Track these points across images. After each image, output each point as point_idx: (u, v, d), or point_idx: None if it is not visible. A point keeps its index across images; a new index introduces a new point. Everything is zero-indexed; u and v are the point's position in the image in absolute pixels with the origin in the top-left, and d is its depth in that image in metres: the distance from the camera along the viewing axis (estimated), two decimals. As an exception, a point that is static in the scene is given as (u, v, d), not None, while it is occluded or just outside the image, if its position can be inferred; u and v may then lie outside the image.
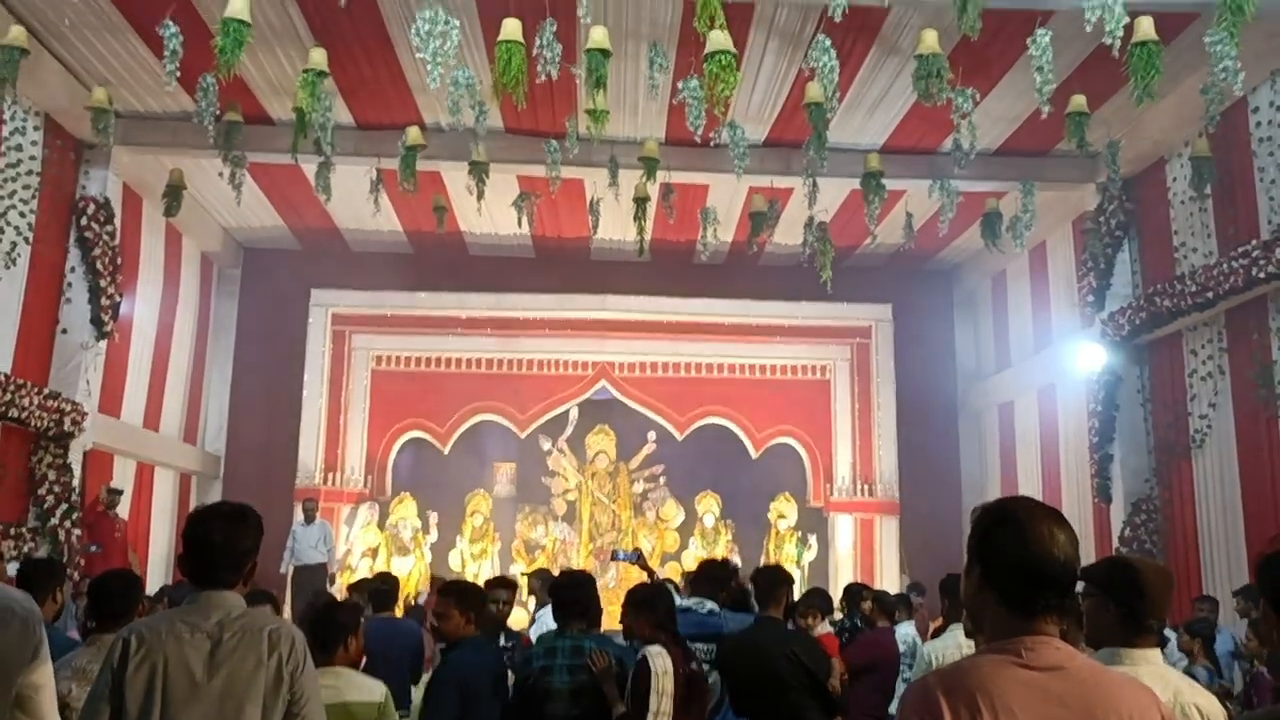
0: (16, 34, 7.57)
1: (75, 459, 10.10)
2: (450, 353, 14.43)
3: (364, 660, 4.14)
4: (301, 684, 2.77)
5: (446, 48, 6.61)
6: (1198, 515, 9.83)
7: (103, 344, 10.60)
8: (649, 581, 6.07)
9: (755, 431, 14.42)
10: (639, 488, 14.53)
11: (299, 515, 12.38)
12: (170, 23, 7.19)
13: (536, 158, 9.63)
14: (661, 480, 14.52)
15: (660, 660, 4.36)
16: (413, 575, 12.89)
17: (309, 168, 9.93)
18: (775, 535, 13.79)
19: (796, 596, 6.73)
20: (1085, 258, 11.11)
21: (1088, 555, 9.15)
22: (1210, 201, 9.47)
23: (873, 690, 6.43)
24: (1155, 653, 2.63)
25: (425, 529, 13.62)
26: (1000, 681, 1.75)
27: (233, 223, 13.61)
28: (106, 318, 10.44)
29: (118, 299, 10.65)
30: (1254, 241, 8.60)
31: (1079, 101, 8.07)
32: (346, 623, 3.81)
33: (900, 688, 6.54)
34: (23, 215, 9.43)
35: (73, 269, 10.37)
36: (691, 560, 12.23)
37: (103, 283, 10.38)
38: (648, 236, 10.05)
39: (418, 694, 5.36)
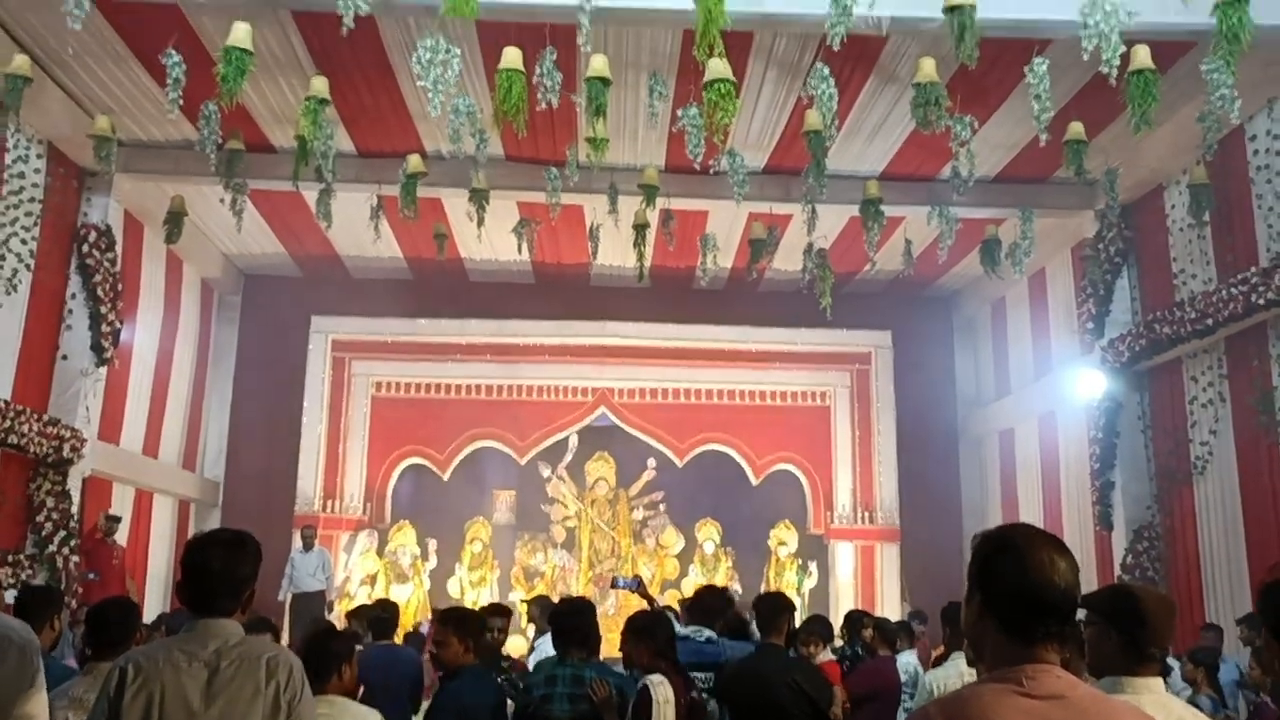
0: (20, 63, 7.62)
1: (74, 486, 10.08)
2: (450, 379, 14.44)
3: (361, 689, 4.11)
4: (300, 712, 2.75)
5: (447, 76, 6.65)
6: (1200, 542, 9.79)
7: (103, 370, 10.61)
8: (649, 609, 6.03)
9: (755, 458, 14.39)
10: (639, 515, 14.50)
11: (297, 542, 12.35)
12: (173, 51, 7.23)
13: (537, 185, 9.66)
14: (661, 507, 14.48)
15: (662, 689, 4.33)
16: (411, 603, 12.84)
17: (310, 195, 9.97)
18: (776, 562, 13.75)
19: (797, 624, 6.70)
20: (1084, 284, 11.13)
21: (1089, 583, 9.13)
22: (1209, 228, 9.50)
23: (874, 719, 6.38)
24: (1158, 681, 2.61)
25: (424, 556, 13.58)
26: (1001, 710, 1.74)
27: (233, 249, 13.65)
28: (107, 344, 10.45)
29: (118, 325, 10.66)
30: (1253, 268, 8.62)
31: (1077, 129, 8.11)
32: (340, 651, 3.79)
33: (901, 717, 6.50)
34: (24, 242, 9.46)
35: (73, 295, 10.40)
36: (691, 588, 12.18)
37: (103, 309, 10.40)
38: (647, 263, 10.07)
39: (417, 722, 5.33)
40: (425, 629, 10.62)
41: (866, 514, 14.09)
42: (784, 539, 13.85)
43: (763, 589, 13.00)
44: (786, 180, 10.43)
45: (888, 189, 9.84)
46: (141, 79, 9.11)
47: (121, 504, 11.48)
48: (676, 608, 7.89)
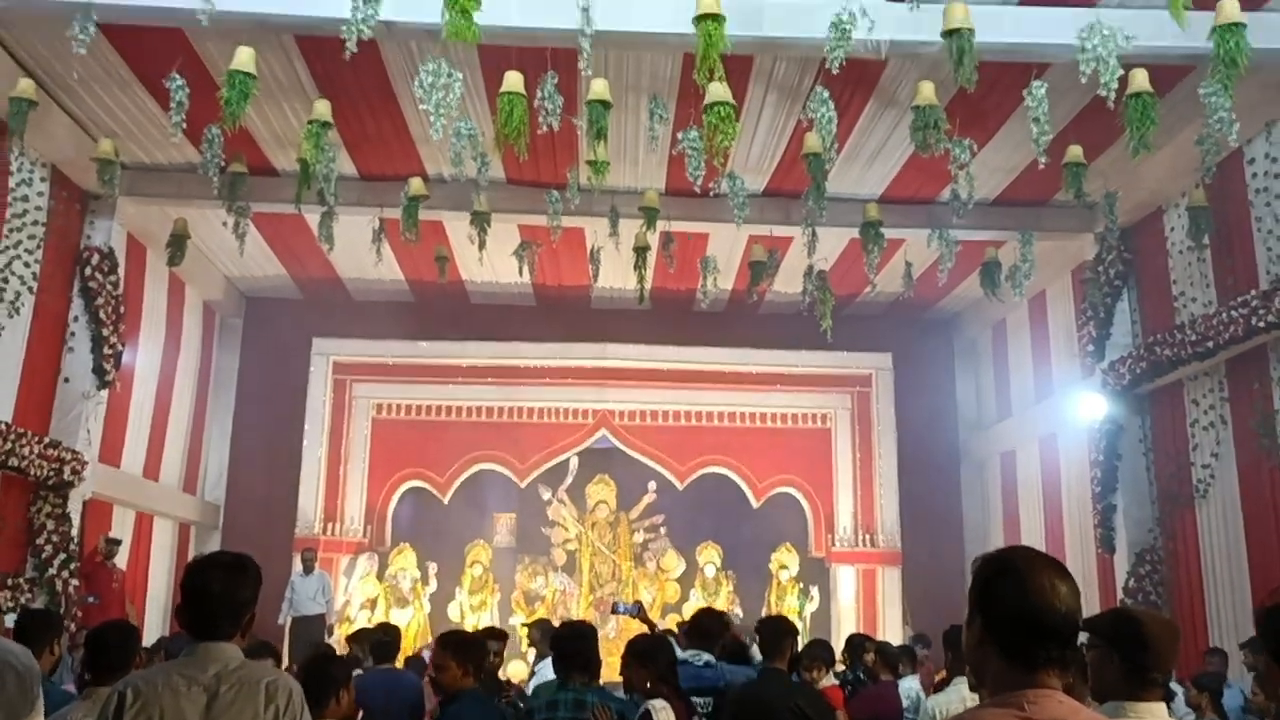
0: (25, 87, 7.67)
1: (74, 508, 10.05)
2: (451, 401, 14.44)
3: (360, 714, 4.10)
4: (298, 737, 2.74)
5: (449, 100, 6.69)
6: (1202, 566, 9.75)
7: (104, 393, 10.61)
8: (650, 633, 6.01)
9: (756, 481, 14.37)
10: (639, 538, 14.46)
11: (298, 565, 12.31)
12: (177, 75, 7.29)
13: (538, 208, 9.72)
14: (662, 530, 14.45)
15: (664, 715, 4.31)
16: (412, 627, 12.78)
17: (312, 218, 10.01)
18: (777, 586, 13.71)
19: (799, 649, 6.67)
20: (1085, 307, 11.14)
21: (1092, 607, 9.09)
22: (1208, 251, 9.51)
23: (876, 744, 6.34)
24: (1160, 706, 2.60)
25: (424, 580, 13.54)
26: (1003, 736, 1.73)
27: (236, 272, 13.68)
28: (109, 367, 10.46)
29: (120, 348, 10.67)
30: (1253, 291, 8.63)
31: (1076, 152, 8.15)
32: (338, 676, 3.78)
33: (904, 742, 6.46)
34: (27, 265, 9.48)
35: (76, 318, 10.40)
36: (692, 612, 12.14)
37: (105, 332, 10.41)
38: (648, 285, 10.10)
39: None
40: (427, 655, 10.58)
41: (868, 537, 14.04)
42: (785, 562, 13.80)
43: (764, 613, 12.95)
44: (787, 203, 10.47)
45: (888, 212, 9.87)
46: (145, 103, 9.17)
47: (122, 527, 11.46)
48: (677, 632, 7.86)
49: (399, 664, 7.06)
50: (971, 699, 4.44)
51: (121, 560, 11.00)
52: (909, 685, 7.23)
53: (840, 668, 7.60)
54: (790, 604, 13.29)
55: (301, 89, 8.80)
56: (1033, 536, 12.69)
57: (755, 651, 5.59)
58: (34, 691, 2.79)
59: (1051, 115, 7.11)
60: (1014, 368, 13.83)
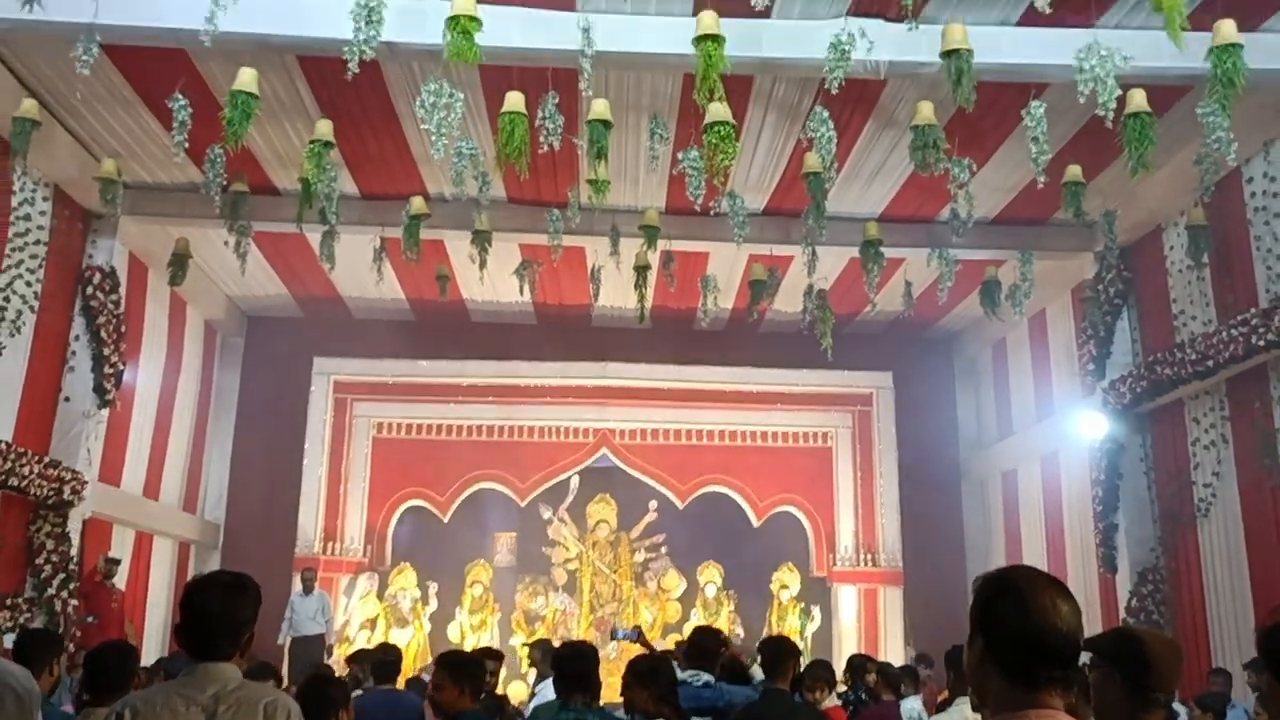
0: (28, 106, 7.71)
1: (74, 528, 10.03)
2: (451, 420, 14.43)
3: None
4: (296, 758, 2.73)
5: (450, 119, 6.72)
6: (1204, 585, 9.72)
7: (105, 412, 10.60)
8: (651, 653, 5.99)
9: (757, 500, 14.34)
10: (640, 557, 14.43)
11: (297, 585, 12.27)
12: (179, 96, 7.33)
13: (538, 227, 9.75)
14: (663, 550, 14.41)
15: (664, 734, 4.29)
16: (412, 646, 12.73)
17: (314, 237, 10.03)
18: (778, 606, 13.67)
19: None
20: (1085, 326, 11.15)
21: (1094, 627, 9.06)
22: (1208, 270, 9.53)
23: (878, 765, 6.30)
24: (1163, 727, 2.59)
25: (424, 599, 13.49)
26: (1005, 756, 1.72)
27: (237, 291, 13.70)
28: (109, 386, 10.46)
29: (121, 367, 10.68)
30: (1252, 310, 8.63)
31: (1075, 171, 8.17)
32: (336, 697, 3.77)
33: (906, 762, 6.42)
34: (29, 284, 9.50)
35: (77, 337, 10.41)
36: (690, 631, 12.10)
37: (106, 351, 10.42)
38: (648, 304, 10.11)
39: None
40: (428, 676, 10.53)
41: (869, 556, 14.00)
42: (786, 582, 13.77)
43: (765, 633, 12.91)
44: (787, 222, 10.49)
45: (887, 231, 9.89)
46: (148, 122, 9.20)
47: (121, 546, 11.43)
48: (677, 652, 7.83)
49: (400, 685, 7.03)
50: (973, 719, 4.42)
51: (121, 580, 10.97)
52: (911, 706, 7.20)
53: (842, 688, 7.57)
54: (791, 624, 13.25)
55: (303, 109, 8.84)
56: (1034, 556, 12.65)
57: (755, 671, 5.56)
58: (33, 713, 2.77)
59: (1050, 135, 7.14)
60: (1014, 386, 13.83)
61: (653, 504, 14.36)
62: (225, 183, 8.42)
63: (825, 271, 10.62)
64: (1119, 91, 6.57)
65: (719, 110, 6.58)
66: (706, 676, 5.34)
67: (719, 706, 5.11)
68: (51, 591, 9.48)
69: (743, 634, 13.26)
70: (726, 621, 13.41)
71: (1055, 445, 12.33)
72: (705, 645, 5.57)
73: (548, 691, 5.52)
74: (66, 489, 9.71)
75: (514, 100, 6.85)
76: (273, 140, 9.51)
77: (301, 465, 13.89)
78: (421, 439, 14.44)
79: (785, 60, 7.36)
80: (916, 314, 11.72)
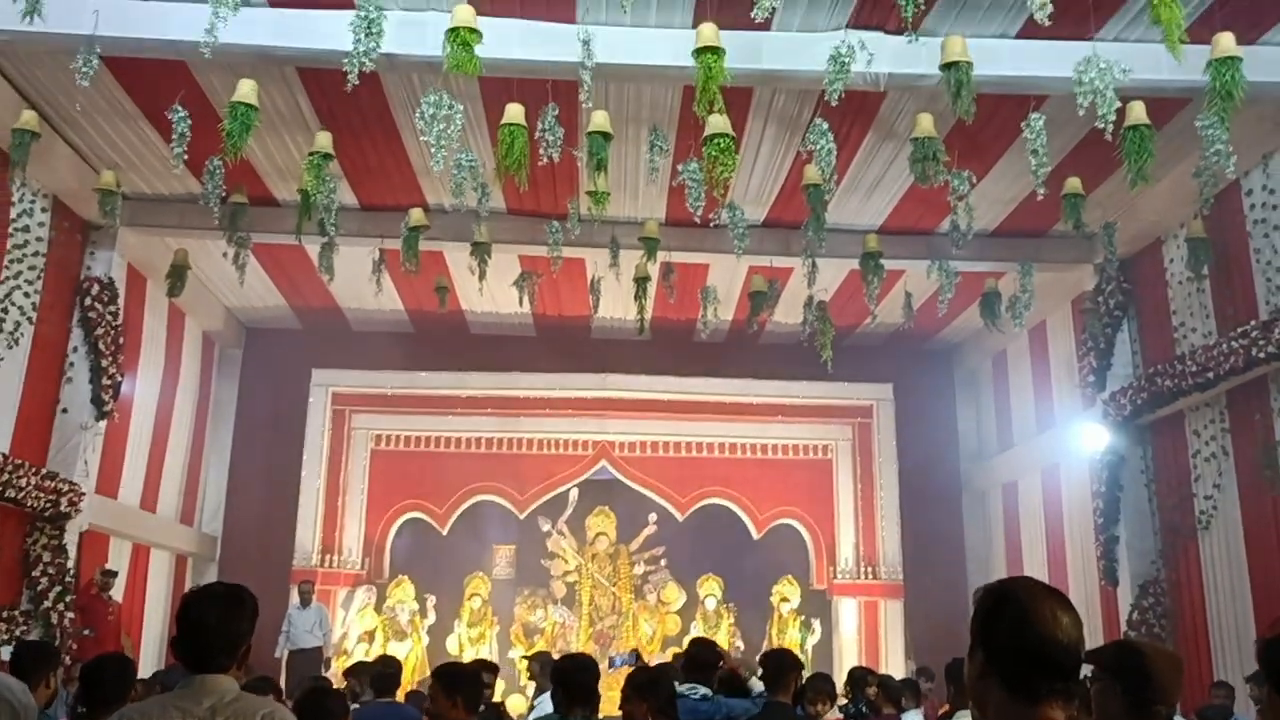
0: (28, 118, 7.72)
1: (71, 540, 9.99)
2: (450, 432, 14.40)
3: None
4: (293, 771, 2.70)
5: (450, 131, 6.73)
6: (1206, 598, 9.69)
7: (102, 424, 10.58)
8: (650, 666, 5.96)
9: (757, 512, 14.31)
10: (640, 570, 14.38)
11: (295, 598, 12.24)
12: (179, 107, 7.34)
13: (538, 238, 9.75)
14: (663, 562, 14.37)
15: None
16: (410, 659, 12.67)
17: (313, 248, 10.03)
18: (778, 619, 13.62)
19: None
20: (1085, 338, 11.14)
21: (1095, 639, 9.02)
22: (1208, 282, 9.53)
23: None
24: (1165, 740, 2.57)
25: (423, 612, 13.44)
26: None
27: (235, 303, 13.70)
28: (107, 398, 10.43)
29: (119, 379, 10.65)
30: (1252, 322, 8.63)
31: (1074, 183, 8.19)
32: (334, 709, 3.75)
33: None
34: (27, 295, 9.49)
35: (75, 349, 10.39)
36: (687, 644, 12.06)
37: (104, 363, 10.40)
38: (648, 316, 10.11)
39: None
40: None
41: (869, 569, 13.96)
42: (787, 595, 13.72)
43: (765, 646, 12.87)
44: (786, 234, 10.49)
45: (887, 243, 9.90)
46: (147, 134, 9.21)
47: (118, 558, 11.39)
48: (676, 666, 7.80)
49: (399, 697, 6.99)
50: (975, 733, 4.40)
51: (118, 592, 10.93)
52: (912, 719, 7.16)
53: (843, 701, 7.54)
54: (792, 637, 13.20)
55: (303, 120, 8.85)
56: (1035, 568, 12.62)
57: (754, 683, 5.53)
58: (28, 726, 2.75)
59: (1050, 147, 7.17)
60: (1015, 398, 13.82)
61: (652, 516, 14.33)
62: (224, 194, 8.42)
63: (825, 283, 10.62)
64: (1118, 104, 6.59)
65: (719, 122, 6.59)
66: (704, 689, 5.32)
67: (716, 719, 5.08)
68: (48, 604, 9.45)
69: (743, 647, 13.21)
70: (726, 634, 13.36)
71: (1056, 457, 12.31)
72: (702, 658, 5.54)
73: (546, 704, 5.49)
74: (63, 501, 9.69)
75: (514, 112, 6.87)
76: (272, 152, 9.52)
77: (299, 477, 13.86)
78: (420, 451, 14.41)
79: (785, 72, 7.38)
80: (917, 326, 11.72)
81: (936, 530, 14.20)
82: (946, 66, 6.45)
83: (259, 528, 13.66)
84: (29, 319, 9.56)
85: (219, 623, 2.77)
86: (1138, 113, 6.76)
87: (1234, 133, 6.68)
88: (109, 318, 10.50)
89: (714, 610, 13.70)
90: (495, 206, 9.72)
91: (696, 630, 13.37)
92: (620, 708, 4.62)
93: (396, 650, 12.48)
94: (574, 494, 14.34)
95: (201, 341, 13.69)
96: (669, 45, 7.08)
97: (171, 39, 7.00)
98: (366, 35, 6.70)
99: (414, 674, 12.21)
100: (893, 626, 13.65)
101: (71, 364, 10.38)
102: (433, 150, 6.75)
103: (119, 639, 10.44)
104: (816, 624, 13.46)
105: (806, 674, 7.07)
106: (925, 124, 7.21)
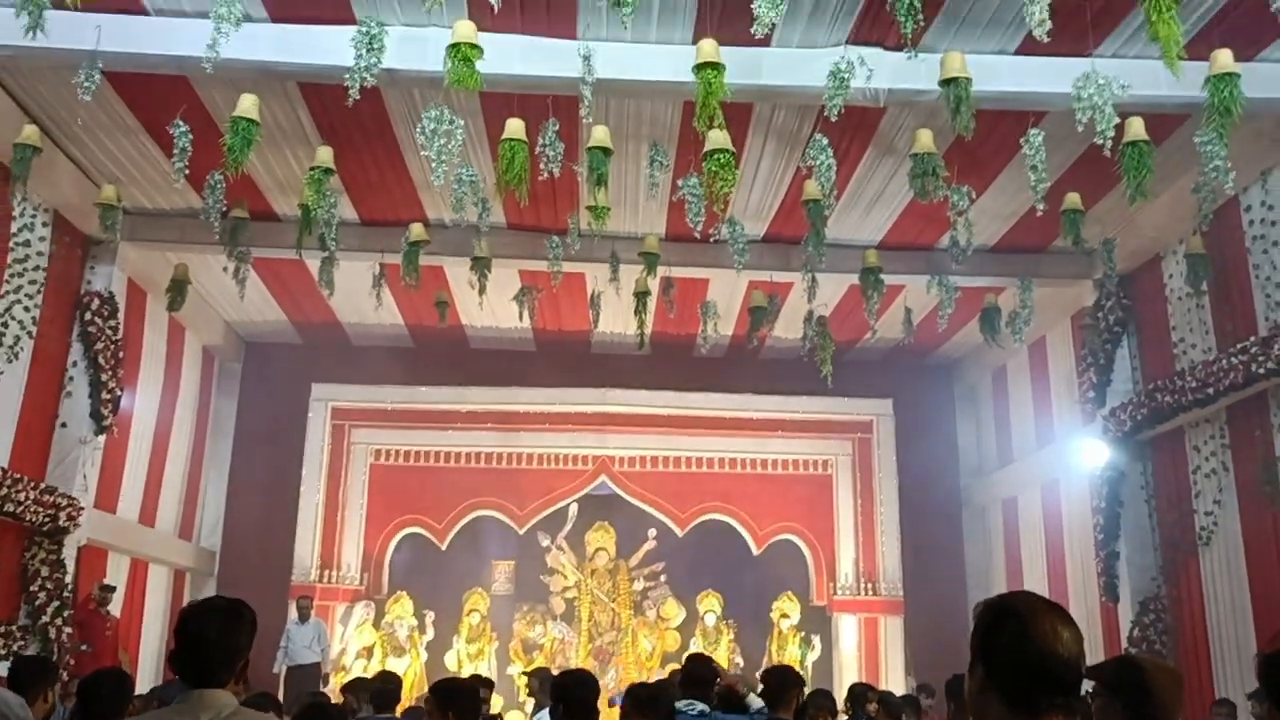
0: (30, 133, 7.74)
1: (69, 555, 9.97)
2: (449, 447, 14.38)
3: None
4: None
5: (451, 146, 6.76)
6: (1207, 615, 9.66)
7: (101, 439, 10.57)
8: (649, 681, 5.94)
9: (757, 528, 14.28)
10: (639, 586, 14.34)
11: (293, 614, 12.20)
12: (180, 122, 7.36)
13: (538, 253, 9.76)
14: (662, 578, 14.33)
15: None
16: (408, 675, 12.62)
17: (313, 263, 10.04)
18: (778, 635, 13.58)
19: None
20: (1085, 353, 11.15)
21: (1096, 656, 8.99)
22: (1207, 298, 9.54)
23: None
24: (1167, 756, 2.56)
25: (421, 628, 13.39)
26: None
27: (235, 317, 13.70)
28: (106, 412, 10.43)
29: (118, 393, 10.65)
30: (1252, 338, 8.63)
31: (1073, 199, 8.20)
32: (334, 723, 3.73)
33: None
34: (27, 310, 9.50)
35: (74, 363, 10.39)
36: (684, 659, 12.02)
37: (104, 377, 10.39)
38: (648, 330, 10.11)
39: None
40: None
41: (869, 585, 13.92)
42: (786, 611, 13.68)
43: (765, 662, 12.82)
44: (786, 249, 10.51)
45: (887, 258, 9.92)
46: (148, 148, 9.24)
47: (116, 573, 11.35)
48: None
49: (397, 714, 6.95)
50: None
51: (115, 607, 10.89)
52: (912, 736, 7.13)
53: (843, 718, 7.51)
54: (792, 653, 13.15)
55: (304, 135, 8.88)
56: (1036, 585, 12.58)
57: (753, 700, 5.51)
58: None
59: (1049, 163, 7.19)
60: (1015, 414, 13.81)
61: (652, 532, 14.30)
62: (225, 209, 8.44)
63: (825, 298, 10.63)
64: (1117, 120, 6.62)
65: (719, 138, 6.61)
66: (701, 706, 5.29)
67: (710, 735, 5.06)
68: (46, 619, 9.42)
69: (743, 663, 13.17)
70: (726, 651, 13.32)
71: (1056, 473, 12.30)
72: (699, 674, 5.52)
73: (545, 720, 5.47)
74: (62, 515, 9.67)
75: (514, 127, 6.89)
76: (273, 166, 9.54)
77: (299, 492, 13.83)
78: (419, 466, 14.39)
79: (785, 88, 7.40)
80: (916, 341, 11.72)
81: (937, 546, 14.17)
82: (946, 82, 6.47)
83: (258, 542, 13.63)
84: (29, 333, 9.57)
85: (217, 636, 2.76)
86: (1136, 129, 6.78)
87: (1233, 149, 6.70)
88: (109, 332, 10.50)
89: (714, 626, 13.66)
90: (495, 221, 9.74)
91: (696, 646, 13.33)
92: (620, 722, 4.60)
93: (395, 666, 12.43)
94: (573, 509, 14.31)
95: (201, 356, 13.69)
96: (669, 61, 7.11)
97: (174, 54, 7.03)
98: (368, 51, 6.74)
99: (413, 690, 12.15)
100: (893, 643, 13.61)
101: (71, 378, 10.38)
102: (433, 165, 6.77)
103: (117, 654, 10.40)
104: (816, 640, 13.42)
105: (807, 691, 7.06)
106: (925, 140, 7.23)
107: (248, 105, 6.90)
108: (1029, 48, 6.96)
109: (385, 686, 6.45)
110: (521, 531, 14.18)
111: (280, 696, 10.91)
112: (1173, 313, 10.25)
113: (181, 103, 7.71)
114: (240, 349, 14.57)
